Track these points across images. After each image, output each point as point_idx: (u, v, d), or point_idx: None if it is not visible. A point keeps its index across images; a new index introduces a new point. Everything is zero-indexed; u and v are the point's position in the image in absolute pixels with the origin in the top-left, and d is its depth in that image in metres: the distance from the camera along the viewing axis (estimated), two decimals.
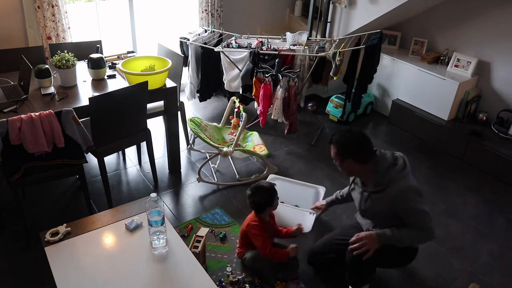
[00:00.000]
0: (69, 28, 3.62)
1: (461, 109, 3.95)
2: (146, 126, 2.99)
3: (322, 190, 2.97)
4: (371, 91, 4.60)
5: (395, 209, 2.06)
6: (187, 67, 3.98)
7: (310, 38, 4.00)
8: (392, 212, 2.08)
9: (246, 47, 3.69)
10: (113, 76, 3.06)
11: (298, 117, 3.86)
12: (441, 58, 4.13)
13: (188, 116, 3.55)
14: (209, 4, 4.27)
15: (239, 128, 3.17)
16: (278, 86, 3.46)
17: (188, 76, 4.06)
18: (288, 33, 3.78)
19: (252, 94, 3.60)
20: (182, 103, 3.50)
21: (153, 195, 1.87)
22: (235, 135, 3.35)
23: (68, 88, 2.86)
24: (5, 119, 2.23)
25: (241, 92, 3.72)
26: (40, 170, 2.50)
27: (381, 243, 2.09)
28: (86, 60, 3.12)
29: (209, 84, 4.01)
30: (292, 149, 3.83)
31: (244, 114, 3.17)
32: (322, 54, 3.55)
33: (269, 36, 3.88)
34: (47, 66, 2.82)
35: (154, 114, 3.23)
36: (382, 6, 3.87)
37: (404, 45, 4.51)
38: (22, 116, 2.29)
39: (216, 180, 3.30)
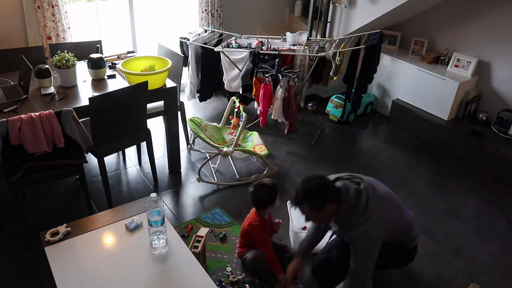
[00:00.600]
0: (69, 28, 3.62)
1: (461, 109, 3.95)
2: (146, 126, 2.99)
3: None
4: (371, 91, 4.60)
5: (350, 248, 2.08)
6: (187, 67, 3.99)
7: (310, 38, 4.00)
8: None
9: (246, 47, 3.69)
10: (113, 76, 3.06)
11: (298, 117, 3.86)
12: (441, 58, 4.13)
13: (188, 116, 3.55)
14: (209, 4, 4.27)
15: (239, 128, 3.17)
16: (278, 86, 3.46)
17: (188, 76, 4.06)
18: (288, 33, 3.79)
19: (252, 94, 3.60)
20: (182, 103, 3.50)
21: (153, 195, 1.87)
22: (235, 135, 3.35)
23: (68, 88, 2.86)
24: (5, 119, 2.23)
25: (241, 92, 3.72)
26: (40, 170, 2.50)
27: None
28: (86, 60, 3.12)
29: (209, 84, 4.01)
30: (292, 149, 3.83)
31: (244, 114, 3.17)
32: (322, 54, 3.55)
33: (269, 36, 3.88)
34: (47, 66, 2.82)
35: (154, 114, 3.23)
36: (382, 6, 3.87)
37: (404, 45, 4.51)
38: (22, 116, 2.29)
39: (216, 180, 3.30)
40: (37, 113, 2.33)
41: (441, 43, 4.23)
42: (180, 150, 3.45)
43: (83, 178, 2.69)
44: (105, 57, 3.05)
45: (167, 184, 3.27)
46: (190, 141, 3.62)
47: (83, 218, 2.15)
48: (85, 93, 2.80)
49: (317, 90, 4.85)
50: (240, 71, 3.66)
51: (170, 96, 3.07)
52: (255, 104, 3.65)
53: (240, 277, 2.43)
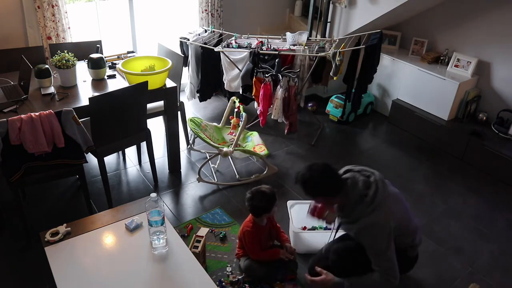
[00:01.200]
0: (69, 28, 3.62)
1: (461, 109, 3.95)
2: (146, 126, 2.99)
3: None
4: (371, 91, 4.60)
5: (360, 242, 2.06)
6: (187, 67, 3.99)
7: (310, 38, 4.00)
8: (359, 244, 2.08)
9: (246, 47, 3.69)
10: (113, 76, 3.06)
11: (298, 117, 3.86)
12: (441, 58, 4.13)
13: (188, 116, 3.55)
14: (209, 4, 4.27)
15: (239, 128, 3.17)
16: (278, 86, 3.46)
17: (188, 76, 4.06)
18: (288, 33, 3.79)
19: (252, 94, 3.60)
20: (182, 103, 3.50)
21: (153, 195, 1.87)
22: (235, 135, 3.35)
23: (68, 88, 2.86)
24: (5, 119, 2.23)
25: (241, 92, 3.72)
26: (40, 170, 2.50)
27: None
28: (86, 60, 3.12)
29: (209, 84, 4.01)
30: (292, 149, 3.83)
31: (244, 114, 3.17)
32: (322, 54, 3.55)
33: (269, 36, 3.88)
34: (47, 66, 2.82)
35: (154, 114, 3.23)
36: (382, 6, 3.87)
37: (404, 45, 4.51)
38: (22, 116, 2.29)
39: (216, 180, 3.30)
40: (37, 113, 2.33)
41: (441, 43, 4.23)
42: (180, 150, 3.45)
43: (83, 178, 2.69)
44: (105, 57, 3.05)
45: (167, 184, 3.27)
46: (190, 141, 3.62)
47: (83, 218, 2.15)
48: (85, 93, 2.80)
49: (317, 90, 4.85)
50: (240, 71, 3.66)
51: (170, 96, 3.07)
52: (255, 104, 3.65)
53: (240, 277, 2.43)
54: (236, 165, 3.51)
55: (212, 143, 3.15)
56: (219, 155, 3.34)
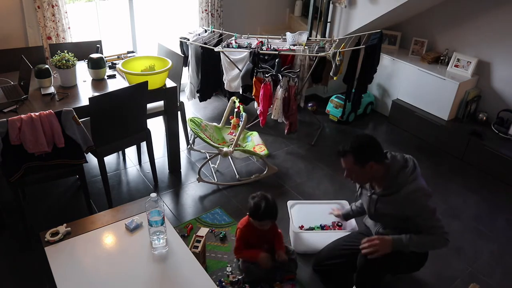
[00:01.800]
0: (69, 28, 3.62)
1: (461, 109, 3.95)
2: (146, 126, 2.99)
3: (345, 203, 2.80)
4: (371, 91, 4.60)
5: (406, 212, 2.05)
6: (187, 67, 3.99)
7: (310, 38, 4.00)
8: (403, 215, 2.06)
9: (246, 47, 3.69)
10: (113, 76, 3.06)
11: (298, 117, 3.86)
12: (441, 58, 4.13)
13: (188, 116, 3.55)
14: (209, 4, 4.27)
15: (239, 128, 3.17)
16: (278, 86, 3.46)
17: (188, 76, 4.06)
18: (288, 33, 3.79)
19: (252, 94, 3.60)
20: (182, 103, 3.50)
21: (153, 195, 1.87)
22: (235, 135, 3.35)
23: (68, 88, 2.86)
24: (5, 119, 2.23)
25: (241, 92, 3.72)
26: (40, 170, 2.50)
27: (395, 249, 2.06)
28: (86, 60, 3.12)
29: (209, 84, 4.01)
30: (292, 149, 3.83)
31: (244, 114, 3.17)
32: (322, 54, 3.55)
33: (269, 36, 3.88)
34: (47, 66, 2.82)
35: (154, 114, 3.23)
36: (382, 6, 3.87)
37: (404, 45, 4.51)
38: (22, 116, 2.29)
39: (216, 180, 3.30)
40: (37, 113, 2.33)
41: (441, 43, 4.23)
42: (180, 150, 3.45)
43: (83, 178, 2.69)
44: (105, 57, 3.05)
45: (167, 184, 3.27)
46: (190, 141, 3.62)
47: (83, 218, 2.15)
48: (85, 93, 2.80)
49: (317, 90, 4.85)
50: (240, 71, 3.66)
51: (170, 96, 3.07)
52: (255, 104, 3.65)
53: (240, 277, 2.43)
54: (236, 165, 3.51)
55: (212, 143, 3.15)
56: (219, 155, 3.34)
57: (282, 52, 3.58)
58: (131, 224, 2.07)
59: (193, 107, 4.44)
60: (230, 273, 2.48)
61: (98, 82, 2.97)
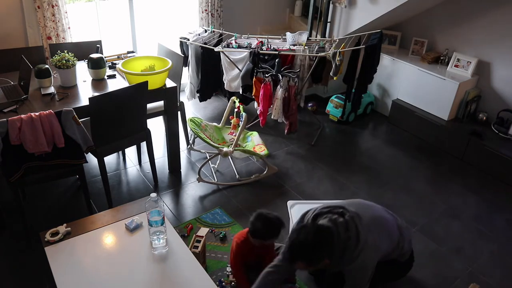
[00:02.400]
0: (69, 28, 3.62)
1: (461, 109, 3.95)
2: (146, 126, 2.99)
3: None
4: (371, 91, 4.60)
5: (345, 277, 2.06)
6: (187, 67, 3.99)
7: (310, 38, 4.00)
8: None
9: (246, 47, 3.69)
10: (113, 76, 3.06)
11: (298, 117, 3.86)
12: (441, 58, 4.14)
13: (188, 116, 3.55)
14: (209, 4, 4.27)
15: (239, 128, 3.17)
16: (278, 86, 3.46)
17: (188, 76, 4.06)
18: (288, 33, 3.79)
19: (252, 94, 3.60)
20: (182, 103, 3.50)
21: (153, 195, 1.87)
22: (235, 135, 3.35)
23: (68, 88, 2.86)
24: (5, 119, 2.23)
25: (241, 92, 3.72)
26: (40, 170, 2.50)
27: None
28: (86, 60, 3.12)
29: (209, 84, 4.01)
30: (292, 149, 3.83)
31: (244, 114, 3.17)
32: (322, 54, 3.55)
33: (269, 36, 3.88)
34: (47, 66, 2.81)
35: (154, 114, 3.23)
36: (382, 6, 3.87)
37: (404, 45, 4.51)
38: (22, 116, 2.29)
39: (216, 180, 3.30)
40: (37, 113, 2.33)
41: (441, 43, 4.23)
42: (180, 150, 3.45)
43: (83, 178, 2.69)
44: (105, 57, 3.05)
45: (167, 184, 3.27)
46: (190, 141, 3.62)
47: (83, 218, 2.15)
48: (85, 93, 2.80)
49: (317, 90, 4.85)
50: (240, 71, 3.66)
51: (170, 96, 3.07)
52: (255, 104, 3.65)
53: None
54: (236, 165, 3.51)
55: (212, 143, 3.15)
56: (219, 155, 3.34)
57: (282, 52, 3.58)
58: (131, 224, 2.07)
59: (193, 107, 4.44)
60: (230, 273, 2.47)
61: (98, 82, 2.97)
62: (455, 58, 3.97)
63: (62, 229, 2.03)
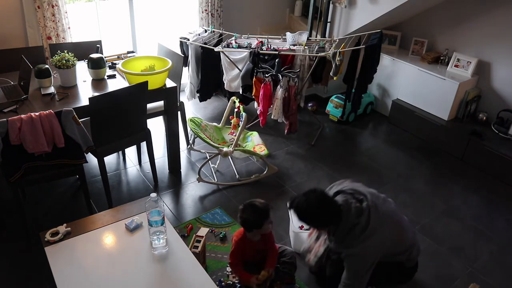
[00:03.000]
0: (69, 28, 3.62)
1: (461, 109, 3.95)
2: (146, 126, 2.99)
3: None
4: (371, 91, 4.60)
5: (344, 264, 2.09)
6: (187, 67, 3.99)
7: (310, 38, 4.00)
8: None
9: (246, 47, 3.69)
10: (113, 76, 3.06)
11: (298, 117, 3.86)
12: (441, 58, 4.13)
13: (188, 116, 3.55)
14: (209, 4, 4.27)
15: (239, 128, 3.17)
16: (278, 86, 3.46)
17: (188, 76, 4.06)
18: (288, 33, 3.79)
19: (252, 94, 3.60)
20: (182, 103, 3.50)
21: (153, 195, 1.87)
22: (235, 135, 3.35)
23: (68, 88, 2.86)
24: (5, 119, 2.23)
25: (241, 92, 3.72)
26: (40, 170, 2.50)
27: None
28: (86, 60, 3.12)
29: (209, 84, 4.01)
30: (292, 149, 3.83)
31: (244, 114, 3.17)
32: (322, 54, 3.55)
33: (269, 36, 3.88)
34: (47, 66, 2.81)
35: (154, 114, 3.23)
36: (382, 6, 3.87)
37: (404, 45, 4.51)
38: (22, 116, 2.29)
39: (216, 180, 3.30)
40: (37, 113, 2.33)
41: (441, 43, 4.23)
42: (180, 150, 3.45)
43: (83, 178, 2.69)
44: (105, 57, 3.05)
45: (167, 184, 3.27)
46: (190, 141, 3.62)
47: (83, 218, 2.15)
48: (85, 93, 2.80)
49: (317, 90, 4.85)
50: (240, 71, 3.66)
51: (170, 96, 3.07)
52: (255, 104, 3.65)
53: (236, 281, 2.42)
54: (236, 165, 3.51)
55: (212, 143, 3.15)
56: (219, 155, 3.34)
57: (282, 52, 3.58)
58: (131, 224, 2.07)
59: (193, 107, 4.44)
60: (230, 273, 2.48)
61: (98, 82, 2.97)
62: (455, 58, 3.97)
63: (62, 229, 2.02)
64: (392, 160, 3.76)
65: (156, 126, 3.97)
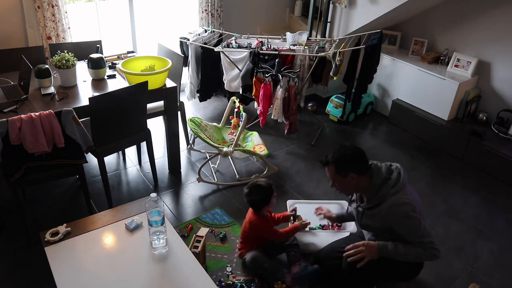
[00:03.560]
0: (69, 28, 3.62)
1: (461, 109, 3.95)
2: (146, 126, 2.99)
3: (345, 204, 2.81)
4: (371, 91, 4.60)
5: (390, 225, 2.04)
6: (187, 67, 3.99)
7: (310, 38, 4.00)
8: (388, 228, 2.06)
9: (246, 47, 3.69)
10: (113, 76, 3.06)
11: (298, 117, 3.86)
12: (441, 58, 4.13)
13: (188, 116, 3.55)
14: (209, 4, 4.27)
15: (239, 128, 3.17)
16: (278, 86, 3.46)
17: (188, 76, 4.06)
18: (288, 33, 3.78)
19: (252, 94, 3.60)
20: (182, 103, 3.50)
21: (153, 195, 1.87)
22: (235, 135, 3.35)
23: (68, 88, 2.86)
24: (5, 119, 2.23)
25: (241, 92, 3.72)
26: (40, 170, 2.50)
27: (381, 255, 2.06)
28: (86, 60, 3.12)
29: (209, 84, 4.01)
30: (292, 149, 3.83)
31: (244, 114, 3.17)
32: (322, 54, 3.55)
33: (269, 36, 3.88)
34: (47, 66, 2.82)
35: (154, 114, 3.23)
36: (382, 6, 3.87)
37: (404, 45, 4.51)
38: (22, 116, 2.29)
39: (216, 180, 3.30)
40: (37, 113, 2.33)
41: (441, 43, 4.23)
42: (180, 150, 3.45)
43: (83, 178, 2.69)
44: (105, 57, 3.05)
45: (167, 184, 3.27)
46: (190, 141, 3.62)
47: (83, 218, 2.15)
48: (85, 93, 2.80)
49: (317, 90, 4.85)
50: (240, 71, 3.66)
51: (170, 96, 3.07)
52: (255, 104, 3.65)
53: (237, 281, 2.42)
54: (236, 165, 3.51)
55: (212, 143, 3.15)
56: (219, 155, 3.34)
57: (282, 52, 3.58)
58: (131, 224, 2.07)
59: (193, 107, 4.44)
60: (230, 273, 2.48)
61: (98, 82, 2.97)
62: (455, 58, 3.97)
63: (62, 229, 2.02)
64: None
65: (156, 126, 3.97)
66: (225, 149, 3.08)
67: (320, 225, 2.78)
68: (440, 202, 3.25)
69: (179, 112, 3.26)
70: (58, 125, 2.38)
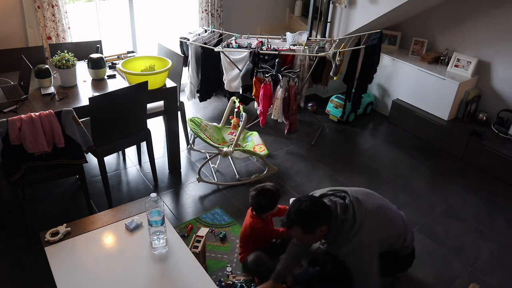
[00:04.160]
0: (69, 28, 3.62)
1: (461, 109, 3.95)
2: (146, 126, 2.99)
3: None
4: (371, 91, 4.60)
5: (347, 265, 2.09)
6: (187, 67, 3.99)
7: (310, 38, 4.00)
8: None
9: (246, 47, 3.69)
10: (113, 76, 3.06)
11: (298, 117, 3.86)
12: (441, 58, 4.13)
13: (188, 116, 3.55)
14: (209, 4, 4.27)
15: (239, 128, 3.17)
16: (278, 86, 3.46)
17: (188, 76, 4.06)
18: (288, 33, 3.79)
19: (252, 94, 3.60)
20: (182, 103, 3.50)
21: (153, 195, 1.87)
22: (235, 135, 3.35)
23: (68, 88, 2.86)
24: (5, 119, 2.23)
25: (241, 92, 3.72)
26: (40, 170, 2.50)
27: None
28: (86, 60, 3.12)
29: (209, 84, 4.01)
30: (292, 149, 3.83)
31: (244, 114, 3.17)
32: (322, 54, 3.55)
33: (269, 36, 3.88)
34: (47, 66, 2.81)
35: (154, 114, 3.23)
36: (382, 6, 3.87)
37: (404, 45, 4.51)
38: (22, 116, 2.29)
39: (216, 180, 3.30)
40: (37, 113, 2.33)
41: (441, 43, 4.23)
42: (180, 150, 3.45)
43: (83, 178, 2.69)
44: (105, 57, 3.05)
45: (167, 184, 3.27)
46: (190, 141, 3.62)
47: (83, 218, 2.15)
48: (85, 93, 2.80)
49: (317, 90, 4.85)
50: (240, 71, 3.66)
51: (170, 96, 3.07)
52: (255, 104, 3.65)
53: (237, 281, 2.42)
54: (236, 165, 3.51)
55: (212, 143, 3.15)
56: (219, 155, 3.34)
57: (282, 52, 3.58)
58: (131, 224, 2.07)
59: (193, 107, 4.44)
60: (230, 273, 2.48)
61: (98, 82, 2.97)
62: (455, 58, 3.97)
63: (62, 229, 2.03)
64: (392, 160, 3.76)
65: (156, 126, 3.97)
66: (225, 149, 3.08)
67: None
68: (440, 202, 3.25)
69: (179, 112, 3.26)
70: (58, 125, 2.38)
